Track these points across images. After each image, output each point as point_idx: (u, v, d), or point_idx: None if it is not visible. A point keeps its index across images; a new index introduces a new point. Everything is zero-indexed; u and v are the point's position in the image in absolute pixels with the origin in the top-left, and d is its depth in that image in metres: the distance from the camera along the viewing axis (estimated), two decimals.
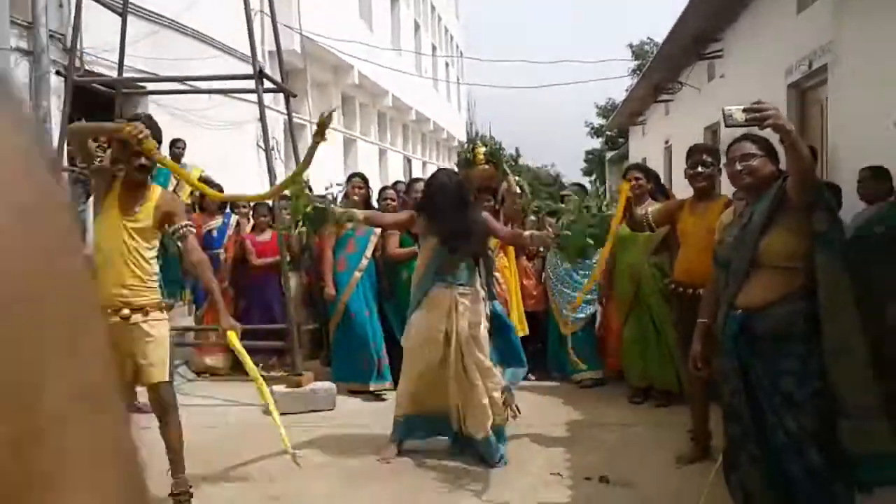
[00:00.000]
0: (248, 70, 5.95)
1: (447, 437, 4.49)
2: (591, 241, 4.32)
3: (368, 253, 6.10)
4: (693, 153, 4.33)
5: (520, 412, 4.49)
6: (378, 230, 5.98)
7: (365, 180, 6.31)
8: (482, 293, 4.44)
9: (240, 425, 5.16)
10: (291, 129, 6.58)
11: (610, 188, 9.53)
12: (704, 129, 11.60)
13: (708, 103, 11.50)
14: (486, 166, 5.86)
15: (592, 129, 34.24)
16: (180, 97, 8.53)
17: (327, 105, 15.08)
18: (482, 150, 5.97)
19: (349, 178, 6.38)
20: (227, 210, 7.02)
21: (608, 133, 29.82)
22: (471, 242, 4.33)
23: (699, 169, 4.23)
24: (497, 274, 5.99)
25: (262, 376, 6.59)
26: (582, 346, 6.13)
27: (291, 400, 5.46)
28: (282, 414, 5.29)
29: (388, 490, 3.94)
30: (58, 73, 6.44)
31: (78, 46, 6.08)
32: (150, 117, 3.77)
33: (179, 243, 3.73)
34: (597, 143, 35.19)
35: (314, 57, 13.63)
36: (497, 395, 4.34)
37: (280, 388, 5.60)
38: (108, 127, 4.00)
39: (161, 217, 3.61)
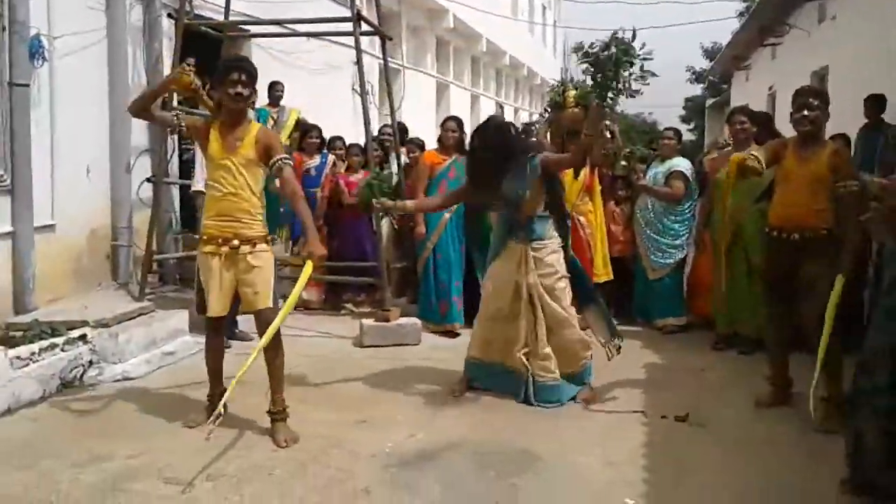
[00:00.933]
0: (346, 13, 6.07)
1: (510, 389, 4.44)
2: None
3: None
4: (799, 96, 4.15)
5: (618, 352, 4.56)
6: None
7: (459, 124, 6.30)
8: (557, 244, 4.41)
9: (332, 356, 5.43)
10: (387, 74, 6.70)
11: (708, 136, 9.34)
12: (812, 73, 11.05)
13: (817, 47, 10.96)
14: (576, 109, 5.84)
15: (693, 73, 33.01)
16: (281, 40, 8.78)
17: (422, 50, 15.17)
18: (572, 92, 5.96)
19: (443, 122, 6.40)
20: (325, 150, 7.23)
21: (710, 79, 28.64)
22: (510, 197, 4.27)
23: (804, 112, 4.06)
24: (581, 218, 6.03)
25: (352, 311, 6.94)
26: (668, 292, 6.24)
27: (380, 333, 5.70)
28: (370, 346, 5.61)
29: (465, 417, 4.12)
30: (169, 16, 6.73)
31: None
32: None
33: (276, 176, 3.84)
34: (697, 90, 33.94)
35: (409, 1, 13.65)
36: (576, 340, 4.39)
37: (369, 321, 5.85)
38: (159, 85, 4.23)
39: (262, 150, 3.72)
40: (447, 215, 6.13)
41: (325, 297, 7.29)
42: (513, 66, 22.56)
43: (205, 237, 3.79)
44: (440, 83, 16.40)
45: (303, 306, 7.00)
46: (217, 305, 3.80)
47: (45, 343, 4.46)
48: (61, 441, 3.67)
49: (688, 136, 31.02)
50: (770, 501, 3.09)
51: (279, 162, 3.74)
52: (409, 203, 5.03)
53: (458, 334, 5.95)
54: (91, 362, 4.69)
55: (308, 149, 7.13)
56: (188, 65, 4.27)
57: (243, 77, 3.70)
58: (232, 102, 3.72)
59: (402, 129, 7.49)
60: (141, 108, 3.81)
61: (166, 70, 6.68)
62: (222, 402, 3.39)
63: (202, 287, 3.82)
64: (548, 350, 4.35)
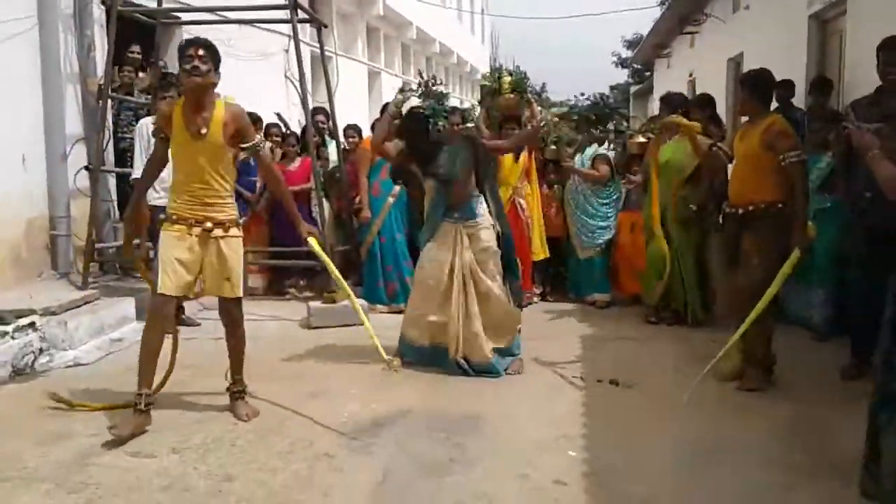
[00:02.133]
0: (282, 1, 6.18)
1: (443, 366, 4.64)
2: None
3: None
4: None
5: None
6: None
7: (358, 132, 6.87)
8: (489, 221, 4.65)
9: (281, 337, 5.57)
10: (323, 60, 6.83)
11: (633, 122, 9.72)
12: (728, 60, 11.61)
13: (732, 35, 11.50)
14: (511, 95, 6.15)
15: (619, 60, 33.87)
16: (214, 28, 8.75)
17: (353, 37, 15.22)
18: (507, 79, 6.25)
19: (344, 130, 7.02)
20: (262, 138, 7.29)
21: (634, 66, 29.47)
22: (444, 166, 4.55)
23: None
24: (521, 200, 6.41)
25: (296, 296, 7.07)
26: (597, 270, 6.67)
27: (327, 314, 5.86)
28: (317, 327, 5.78)
29: (414, 388, 4.34)
30: (103, 2, 6.68)
31: None
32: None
33: (252, 159, 3.86)
34: (623, 77, 34.83)
35: None
36: (507, 311, 4.62)
37: (315, 303, 6.01)
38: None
39: (231, 134, 3.62)
40: (391, 200, 6.37)
41: (268, 284, 7.40)
42: (443, 53, 22.74)
43: (173, 217, 3.66)
44: (371, 70, 16.48)
45: (247, 293, 7.08)
46: (173, 284, 3.61)
47: None
48: (21, 424, 3.74)
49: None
50: (698, 451, 3.41)
51: (255, 147, 3.71)
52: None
53: None
54: (41, 350, 4.74)
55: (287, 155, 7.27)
56: (131, 53, 4.24)
57: (200, 52, 3.55)
58: (186, 77, 3.54)
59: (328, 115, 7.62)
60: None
61: (99, 58, 6.66)
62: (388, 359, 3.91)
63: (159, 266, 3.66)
64: (478, 329, 4.54)
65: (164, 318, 3.70)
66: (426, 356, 4.72)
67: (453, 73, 26.10)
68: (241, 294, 3.79)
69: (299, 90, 10.63)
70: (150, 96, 6.96)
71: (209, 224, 3.65)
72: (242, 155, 3.93)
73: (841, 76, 7.11)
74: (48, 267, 6.24)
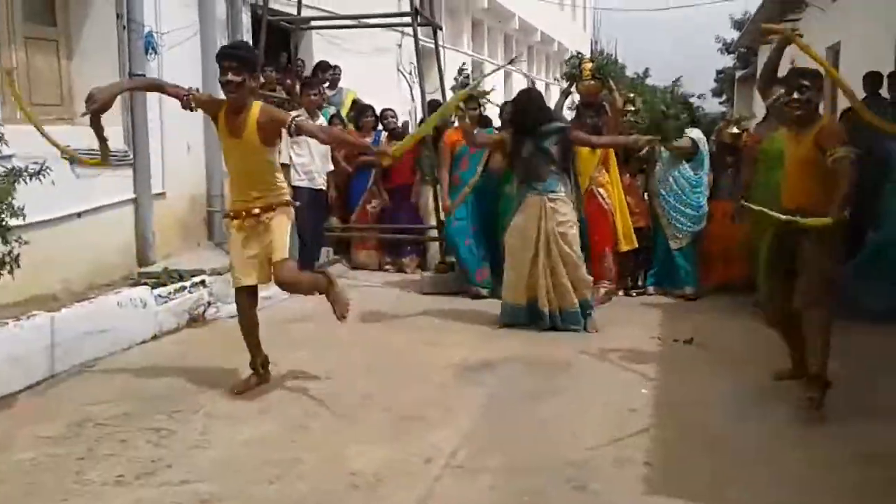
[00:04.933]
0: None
1: (543, 321, 5.33)
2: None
3: (479, 169, 6.46)
4: (790, 77, 3.96)
5: None
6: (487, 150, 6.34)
7: (479, 102, 6.58)
8: (570, 199, 5.31)
9: (398, 300, 6.52)
10: (439, 59, 7.70)
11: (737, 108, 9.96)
12: (827, 48, 11.77)
13: (831, 24, 11.66)
14: (592, 81, 6.26)
15: (724, 44, 33.30)
16: (335, 29, 9.81)
17: (458, 30, 16.06)
18: (589, 65, 6.32)
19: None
20: (379, 128, 8.18)
21: (740, 50, 28.99)
22: (542, 154, 5.22)
23: (795, 95, 3.86)
24: (601, 189, 6.34)
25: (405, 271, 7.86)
26: (687, 261, 6.52)
27: (438, 282, 6.73)
28: (430, 293, 6.64)
29: (515, 340, 5.15)
30: (253, 12, 7.75)
31: None
32: None
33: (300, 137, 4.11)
34: (728, 61, 34.22)
35: None
36: (582, 281, 5.28)
37: (428, 273, 6.92)
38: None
39: (266, 130, 3.80)
40: (467, 189, 6.46)
41: (380, 260, 8.20)
42: (544, 41, 23.32)
43: (231, 213, 4.01)
44: (476, 61, 17.28)
45: (362, 266, 8.01)
46: (243, 275, 3.98)
47: (177, 285, 5.57)
48: (204, 355, 4.78)
49: (719, 109, 31.52)
50: (751, 393, 4.06)
51: (293, 124, 3.81)
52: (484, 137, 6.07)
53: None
54: (209, 303, 5.80)
55: (364, 127, 8.07)
56: None
57: (233, 64, 3.72)
58: (224, 90, 3.80)
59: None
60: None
61: None
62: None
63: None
64: (563, 281, 5.25)
65: (246, 307, 4.14)
66: (523, 315, 5.42)
67: (554, 61, 26.57)
68: (286, 255, 3.91)
69: (411, 84, 11.63)
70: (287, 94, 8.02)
71: (256, 210, 3.90)
72: (293, 135, 4.01)
73: None
74: (205, 237, 7.40)
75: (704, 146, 6.56)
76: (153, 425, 3.65)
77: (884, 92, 7.56)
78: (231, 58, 3.76)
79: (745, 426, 3.67)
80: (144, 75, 6.42)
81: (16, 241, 4.14)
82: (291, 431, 3.59)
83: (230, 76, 3.72)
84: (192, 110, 4.01)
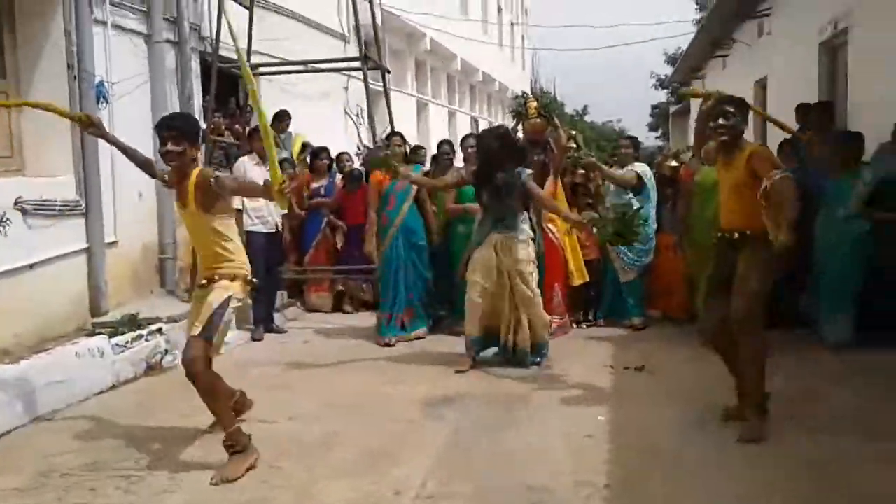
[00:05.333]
0: (336, 45, 7.27)
1: (496, 348, 5.59)
2: (615, 238, 4.96)
3: (406, 206, 6.46)
4: (716, 105, 4.15)
5: None
6: (415, 187, 6.40)
7: (403, 138, 6.80)
8: (529, 235, 5.43)
9: (353, 341, 6.58)
10: (388, 100, 7.89)
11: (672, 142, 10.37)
12: (755, 82, 12.39)
13: (758, 59, 12.29)
14: (538, 120, 6.35)
15: (658, 80, 34.52)
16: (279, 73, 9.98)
17: (402, 72, 16.36)
18: (534, 103, 6.44)
19: (390, 137, 6.80)
20: (334, 170, 8.30)
21: (673, 85, 30.10)
22: (502, 196, 5.31)
23: (720, 121, 4.06)
24: (551, 225, 6.39)
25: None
26: (636, 293, 6.75)
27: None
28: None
29: (473, 378, 5.28)
30: (203, 59, 7.85)
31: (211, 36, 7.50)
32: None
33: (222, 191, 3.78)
34: (662, 96, 35.47)
35: (390, 27, 14.86)
36: (538, 320, 5.41)
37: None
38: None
39: (200, 193, 3.72)
40: (393, 230, 6.46)
41: (334, 302, 8.24)
42: (485, 81, 23.86)
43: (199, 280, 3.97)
44: (420, 102, 17.61)
45: (316, 309, 8.04)
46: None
47: (134, 334, 5.57)
48: (165, 403, 4.78)
49: (655, 143, 32.62)
50: (695, 418, 4.24)
51: (215, 181, 3.72)
52: (415, 176, 6.03)
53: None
54: (166, 350, 5.79)
55: (318, 169, 8.20)
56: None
57: (172, 133, 3.74)
58: (164, 160, 3.83)
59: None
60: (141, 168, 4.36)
61: (197, 104, 7.84)
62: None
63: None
64: (523, 320, 5.40)
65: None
66: (482, 342, 5.56)
67: (495, 100, 27.18)
68: (196, 333, 3.71)
69: (358, 126, 11.83)
70: (235, 139, 8.14)
71: (203, 281, 3.88)
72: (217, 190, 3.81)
73: (847, 99, 7.91)
74: (157, 285, 7.38)
75: (650, 180, 6.78)
76: (121, 473, 3.67)
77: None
78: (169, 128, 3.77)
79: (696, 446, 3.85)
80: None
81: None
82: (260, 472, 3.64)
83: (169, 146, 3.73)
84: (171, 187, 4.05)
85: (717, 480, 3.42)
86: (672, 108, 29.39)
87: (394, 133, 6.83)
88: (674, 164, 7.06)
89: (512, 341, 5.48)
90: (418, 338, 6.50)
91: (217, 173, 3.86)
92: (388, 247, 6.47)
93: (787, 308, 5.93)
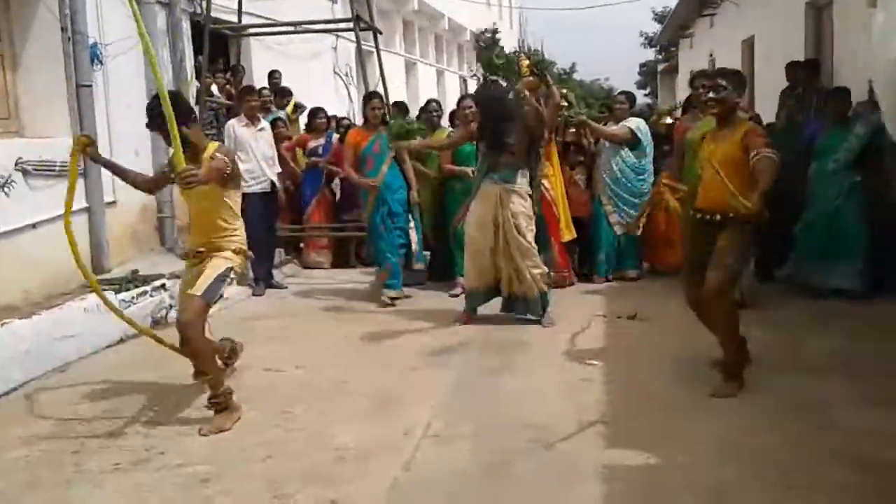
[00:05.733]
0: (324, 5, 7.30)
1: (499, 300, 5.59)
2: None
3: (384, 168, 6.39)
4: (705, 77, 4.31)
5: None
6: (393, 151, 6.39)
7: (382, 100, 6.77)
8: (526, 190, 5.46)
9: (351, 295, 6.74)
10: (380, 61, 7.94)
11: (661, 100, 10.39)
12: (742, 42, 12.47)
13: (745, 18, 12.35)
14: (530, 78, 6.13)
15: (646, 38, 34.40)
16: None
17: (391, 32, 16.31)
18: (526, 62, 6.24)
19: (369, 99, 6.59)
20: (331, 130, 8.37)
21: (661, 44, 30.02)
22: (504, 144, 5.34)
23: (711, 94, 4.00)
24: (545, 181, 6.38)
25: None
26: (630, 246, 6.87)
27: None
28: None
29: (472, 328, 5.44)
30: (194, 21, 7.87)
31: None
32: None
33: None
34: (651, 55, 35.38)
35: None
36: (536, 271, 5.43)
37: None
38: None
39: (209, 169, 3.71)
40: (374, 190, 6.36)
41: (333, 258, 8.40)
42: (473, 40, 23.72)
43: (185, 253, 4.17)
44: (408, 62, 17.57)
45: (315, 266, 8.18)
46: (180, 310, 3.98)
47: (139, 290, 5.70)
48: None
49: (644, 101, 32.62)
50: (686, 362, 4.44)
51: (207, 162, 3.76)
52: (421, 142, 6.24)
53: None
54: (171, 305, 5.92)
55: (316, 129, 8.26)
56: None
57: (153, 127, 3.79)
58: (166, 142, 3.73)
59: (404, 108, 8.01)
60: (147, 191, 4.44)
61: (189, 66, 7.87)
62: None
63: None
64: (522, 268, 5.37)
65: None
66: (480, 298, 5.57)
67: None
68: (199, 293, 3.73)
69: (347, 85, 11.86)
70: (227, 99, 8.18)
71: (202, 249, 3.94)
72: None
73: (832, 58, 8.04)
74: (157, 243, 7.48)
75: (645, 135, 6.86)
76: (139, 419, 3.83)
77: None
78: (151, 119, 3.74)
79: (686, 390, 4.02)
80: (91, 85, 6.50)
81: None
82: (274, 417, 3.82)
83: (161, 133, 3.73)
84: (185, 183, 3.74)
85: (707, 421, 3.60)
86: (660, 67, 29.37)
87: (373, 95, 6.74)
88: (668, 121, 7.13)
89: (520, 291, 5.46)
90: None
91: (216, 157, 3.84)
92: (373, 208, 6.40)
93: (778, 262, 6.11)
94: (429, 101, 7.42)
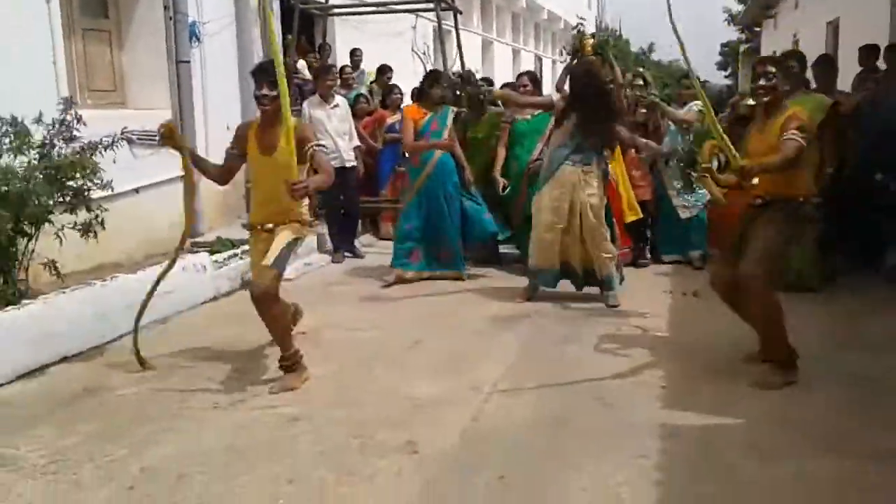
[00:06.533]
0: None
1: (575, 280, 5.53)
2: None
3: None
4: (758, 65, 4.06)
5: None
6: (448, 128, 6.23)
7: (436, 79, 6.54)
8: (604, 171, 5.51)
9: None
10: (459, 40, 8.18)
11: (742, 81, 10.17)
12: (827, 23, 12.19)
13: (831, 1, 12.07)
14: (593, 58, 6.34)
15: (730, 16, 33.51)
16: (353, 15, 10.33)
17: (468, 11, 16.48)
18: (590, 41, 6.49)
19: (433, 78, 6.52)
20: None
21: (744, 24, 29.24)
22: (603, 134, 5.38)
23: (761, 82, 3.95)
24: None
25: None
26: (694, 229, 6.75)
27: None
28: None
29: (536, 301, 5.66)
30: (283, 1, 8.27)
31: None
32: None
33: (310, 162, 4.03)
34: (734, 35, 34.47)
35: None
36: (607, 256, 5.42)
37: None
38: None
39: (297, 144, 3.74)
40: (428, 170, 6.22)
41: None
42: (550, 20, 23.69)
43: (251, 223, 4.21)
44: (485, 40, 17.73)
45: (390, 238, 8.48)
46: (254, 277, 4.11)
47: (230, 252, 6.14)
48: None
49: (724, 82, 31.84)
50: (744, 337, 4.53)
51: (311, 149, 3.95)
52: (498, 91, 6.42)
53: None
54: None
55: (392, 104, 8.54)
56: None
57: (270, 78, 3.82)
58: (257, 105, 3.97)
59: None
60: (223, 181, 4.33)
61: (278, 43, 8.27)
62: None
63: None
64: (595, 250, 5.40)
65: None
66: (553, 278, 5.56)
67: (559, 38, 26.94)
68: (269, 263, 3.89)
69: (425, 64, 12.14)
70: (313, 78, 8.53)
71: (270, 225, 4.07)
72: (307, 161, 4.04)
73: None
74: (244, 211, 7.93)
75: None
76: (234, 366, 4.22)
77: (882, 64, 7.96)
78: (267, 72, 3.86)
79: (742, 363, 4.14)
80: (189, 61, 6.96)
81: (98, 208, 4.73)
82: (353, 370, 4.16)
83: (265, 90, 3.88)
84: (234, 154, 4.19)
85: (760, 393, 3.75)
86: (742, 47, 28.62)
87: (437, 73, 6.71)
88: (751, 102, 7.03)
89: (590, 268, 5.46)
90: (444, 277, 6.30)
91: (316, 146, 4.03)
92: (421, 187, 6.24)
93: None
94: (520, 75, 6.97)
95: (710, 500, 2.76)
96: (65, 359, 4.35)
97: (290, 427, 3.43)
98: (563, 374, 4.00)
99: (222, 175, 4.32)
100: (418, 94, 6.49)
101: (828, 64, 6.63)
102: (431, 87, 6.33)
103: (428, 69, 13.63)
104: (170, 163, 6.78)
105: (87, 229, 4.78)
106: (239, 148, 4.16)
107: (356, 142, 7.42)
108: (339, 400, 3.73)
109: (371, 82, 9.64)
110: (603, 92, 5.49)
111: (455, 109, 6.43)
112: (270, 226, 4.05)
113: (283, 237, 3.99)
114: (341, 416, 3.53)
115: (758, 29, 25.06)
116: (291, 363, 3.98)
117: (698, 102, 6.62)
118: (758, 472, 2.95)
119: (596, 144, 5.41)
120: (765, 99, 3.96)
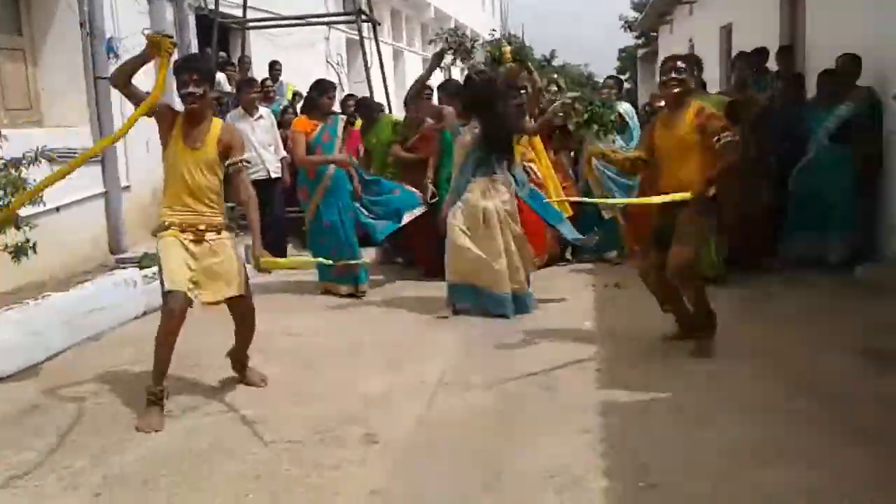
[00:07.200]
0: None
1: (497, 311, 5.24)
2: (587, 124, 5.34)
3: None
4: (666, 61, 4.29)
5: None
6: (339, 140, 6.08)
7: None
8: (510, 179, 5.42)
9: None
10: (379, 51, 8.40)
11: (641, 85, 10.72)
12: (720, 28, 12.93)
13: (723, 5, 12.82)
14: (513, 65, 6.40)
15: (626, 23, 34.70)
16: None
17: (378, 20, 16.67)
18: (508, 48, 6.47)
19: (322, 88, 6.21)
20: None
21: (641, 30, 30.39)
22: (504, 143, 5.37)
23: (672, 75, 4.15)
24: (532, 164, 6.52)
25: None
26: (614, 227, 6.64)
27: None
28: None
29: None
30: (199, 15, 8.25)
31: None
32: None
33: (232, 177, 3.84)
34: (630, 40, 35.72)
35: None
36: (528, 253, 5.45)
37: None
38: (141, 54, 3.72)
39: (222, 149, 3.73)
40: (325, 184, 6.04)
41: None
42: (458, 29, 24.07)
43: (165, 224, 3.79)
44: (396, 50, 17.95)
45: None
46: (180, 276, 3.66)
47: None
48: (195, 327, 5.18)
49: (625, 87, 32.94)
50: (668, 318, 4.84)
51: (238, 164, 3.79)
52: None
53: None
54: None
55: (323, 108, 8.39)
56: (168, 36, 3.90)
57: (193, 76, 3.67)
58: (184, 102, 3.72)
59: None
60: (123, 79, 3.78)
61: None
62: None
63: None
64: (517, 261, 5.39)
65: (179, 311, 3.69)
66: (472, 296, 5.36)
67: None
68: (243, 292, 3.83)
69: (339, 74, 12.26)
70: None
71: (201, 226, 3.76)
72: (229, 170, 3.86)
73: (804, 44, 8.51)
74: None
75: (633, 119, 7.12)
76: (177, 376, 4.23)
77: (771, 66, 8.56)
78: (190, 70, 3.70)
79: (670, 341, 4.52)
80: (107, 78, 6.85)
81: (26, 227, 4.66)
82: (300, 371, 4.28)
83: (191, 88, 3.66)
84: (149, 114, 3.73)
85: (692, 364, 4.13)
86: (640, 52, 29.76)
87: (328, 84, 6.41)
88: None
89: (514, 288, 5.32)
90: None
91: (244, 161, 3.90)
92: (321, 201, 6.06)
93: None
94: (325, 86, 6.37)
95: (647, 461, 3.03)
96: (1, 379, 4.28)
97: (247, 427, 3.51)
98: (504, 367, 4.23)
99: (128, 82, 3.79)
100: (307, 106, 6.35)
101: (788, 52, 7.68)
102: (321, 97, 6.07)
103: (342, 78, 13.89)
104: (90, 181, 6.74)
105: (17, 252, 4.68)
106: (161, 118, 3.78)
107: (282, 153, 7.42)
108: (289, 400, 3.84)
109: (294, 94, 9.69)
110: (506, 98, 5.59)
111: (344, 117, 6.43)
112: (202, 227, 3.76)
113: (231, 257, 3.82)
114: (297, 414, 3.64)
115: (654, 34, 26.21)
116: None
117: (622, 104, 7.19)
118: (687, 435, 3.25)
119: (500, 157, 5.41)
120: (675, 91, 4.14)
